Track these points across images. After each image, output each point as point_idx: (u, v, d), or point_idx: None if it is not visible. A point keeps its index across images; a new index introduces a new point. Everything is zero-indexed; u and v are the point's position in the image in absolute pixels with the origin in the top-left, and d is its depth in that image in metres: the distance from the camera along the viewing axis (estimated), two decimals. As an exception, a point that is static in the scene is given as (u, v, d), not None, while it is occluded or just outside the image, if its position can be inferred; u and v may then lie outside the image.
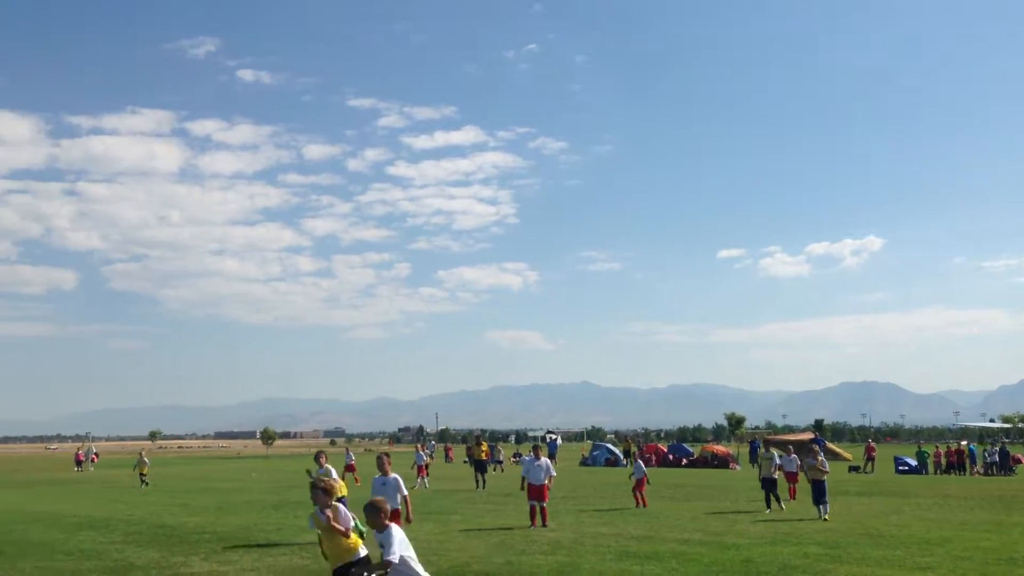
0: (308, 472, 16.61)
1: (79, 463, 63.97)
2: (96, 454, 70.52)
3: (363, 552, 8.82)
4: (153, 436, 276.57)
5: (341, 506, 9.02)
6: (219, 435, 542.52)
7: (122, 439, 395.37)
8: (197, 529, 19.05)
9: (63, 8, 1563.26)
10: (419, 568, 7.95)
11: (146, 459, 40.05)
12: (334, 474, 17.52)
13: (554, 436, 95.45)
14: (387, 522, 8.00)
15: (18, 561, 14.34)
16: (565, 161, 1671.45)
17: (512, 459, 60.26)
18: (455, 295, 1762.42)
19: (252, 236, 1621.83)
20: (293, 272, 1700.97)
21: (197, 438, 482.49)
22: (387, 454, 13.89)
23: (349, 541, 8.82)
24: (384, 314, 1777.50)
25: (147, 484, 37.11)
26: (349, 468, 39.38)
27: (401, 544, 7.85)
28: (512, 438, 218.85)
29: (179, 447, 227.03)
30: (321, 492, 9.05)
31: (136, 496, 31.15)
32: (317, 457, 17.83)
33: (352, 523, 9.02)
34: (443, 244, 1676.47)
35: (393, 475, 13.07)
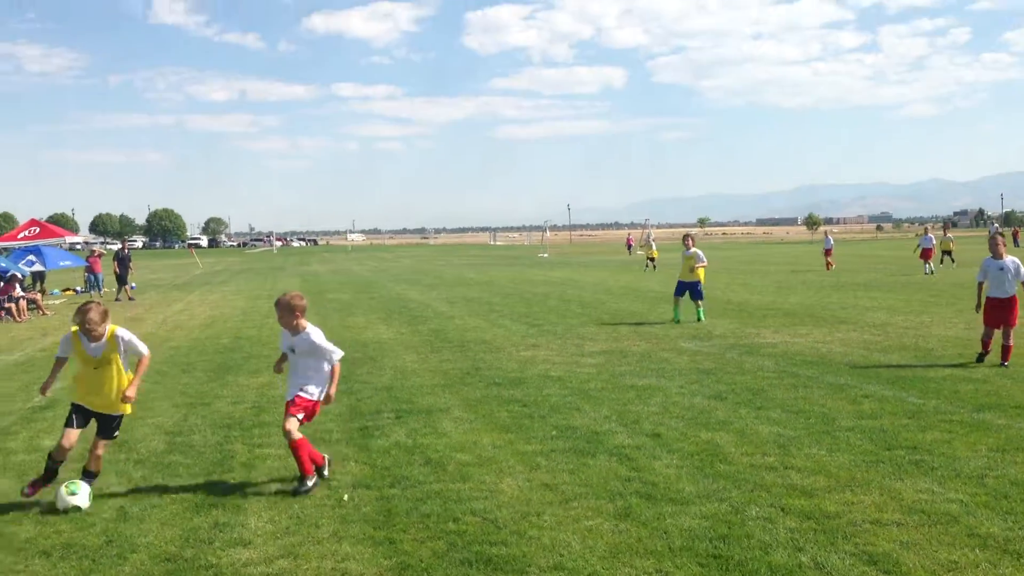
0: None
1: (629, 247, 71.00)
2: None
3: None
4: (701, 223, 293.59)
5: (125, 334, 6.51)
6: (760, 222, 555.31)
7: (671, 226, 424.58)
8: (761, 306, 20.29)
9: None
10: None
11: (652, 243, 42.97)
12: (701, 257, 17.57)
13: None
14: (302, 322, 6.71)
15: (618, 327, 16.84)
16: None
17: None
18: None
19: (791, 14, 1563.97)
20: (834, 49, 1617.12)
21: (740, 225, 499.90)
22: (1001, 234, 12.41)
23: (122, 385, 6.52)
24: (938, 87, 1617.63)
25: (654, 268, 38.95)
26: (827, 252, 36.68)
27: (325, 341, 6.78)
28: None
29: (723, 234, 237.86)
30: (80, 317, 6.28)
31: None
32: (684, 239, 18.09)
33: (140, 350, 6.61)
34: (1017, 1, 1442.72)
35: (1010, 258, 11.53)
